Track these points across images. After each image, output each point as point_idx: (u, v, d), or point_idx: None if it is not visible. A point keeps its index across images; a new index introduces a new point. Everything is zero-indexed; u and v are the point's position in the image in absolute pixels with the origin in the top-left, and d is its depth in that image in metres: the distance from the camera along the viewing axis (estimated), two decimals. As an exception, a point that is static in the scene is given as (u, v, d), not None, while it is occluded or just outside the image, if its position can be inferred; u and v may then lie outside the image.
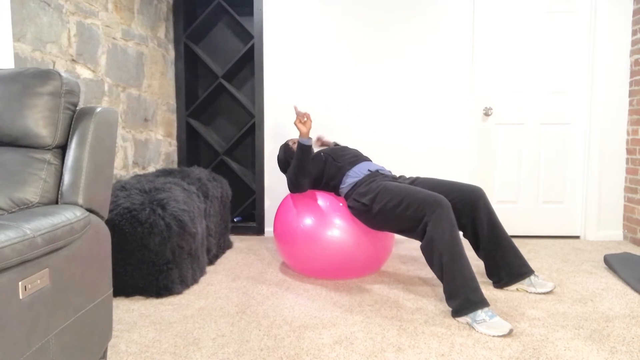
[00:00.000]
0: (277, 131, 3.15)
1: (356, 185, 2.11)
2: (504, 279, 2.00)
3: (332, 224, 2.09)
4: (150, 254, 1.90)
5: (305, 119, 2.13)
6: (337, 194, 2.24)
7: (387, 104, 3.09)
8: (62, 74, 1.21)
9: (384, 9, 3.04)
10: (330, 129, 3.12)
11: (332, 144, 2.64)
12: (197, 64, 3.45)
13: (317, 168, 2.27)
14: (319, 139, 2.62)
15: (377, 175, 2.15)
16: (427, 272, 2.32)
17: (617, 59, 2.97)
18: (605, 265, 2.42)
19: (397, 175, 2.24)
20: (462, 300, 1.65)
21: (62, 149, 1.23)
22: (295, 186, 2.20)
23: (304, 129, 2.12)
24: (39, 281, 0.94)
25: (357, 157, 2.28)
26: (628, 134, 2.99)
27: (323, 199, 2.20)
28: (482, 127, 3.10)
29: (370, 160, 2.37)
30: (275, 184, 3.19)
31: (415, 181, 2.16)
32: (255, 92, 3.22)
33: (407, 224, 1.85)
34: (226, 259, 2.58)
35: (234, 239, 3.10)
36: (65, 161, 1.19)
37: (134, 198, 1.94)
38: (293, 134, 3.14)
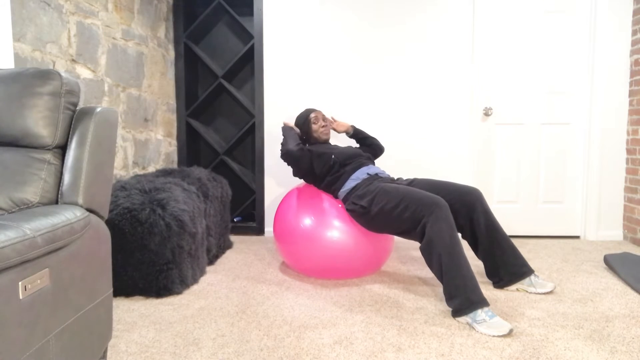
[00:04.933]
0: (277, 131, 3.15)
1: (354, 189, 2.12)
2: (504, 279, 2.00)
3: (332, 223, 2.09)
4: (150, 254, 1.90)
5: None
6: (335, 196, 2.24)
7: (387, 103, 3.09)
8: (62, 74, 1.21)
9: (383, 9, 3.04)
10: (330, 129, 3.12)
11: (345, 128, 2.59)
12: (197, 64, 3.45)
13: (323, 169, 2.25)
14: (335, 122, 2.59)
15: (375, 178, 2.15)
16: (427, 272, 2.32)
17: (617, 59, 2.97)
18: (605, 265, 2.42)
19: (395, 178, 2.24)
20: (462, 300, 1.65)
21: (62, 149, 1.23)
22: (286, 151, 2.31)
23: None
24: (39, 281, 0.94)
25: (361, 164, 2.27)
26: (628, 134, 2.99)
27: (323, 199, 2.20)
28: (482, 127, 3.10)
29: (374, 163, 2.35)
30: (275, 184, 3.19)
31: (412, 182, 2.17)
32: (255, 92, 3.22)
33: (406, 226, 1.86)
34: (226, 259, 2.58)
35: (234, 239, 3.10)
36: (65, 161, 1.19)
37: (134, 198, 1.94)
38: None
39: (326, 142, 2.47)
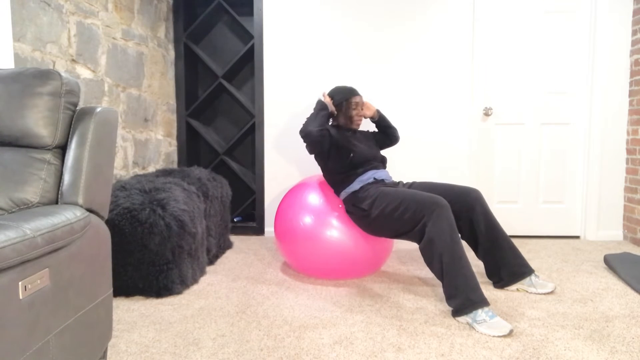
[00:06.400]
0: (277, 131, 3.15)
1: (356, 191, 2.11)
2: (504, 279, 2.00)
3: (332, 223, 2.10)
4: (150, 254, 1.90)
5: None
6: (337, 193, 2.23)
7: (388, 104, 3.09)
8: (62, 74, 1.21)
9: (384, 9, 3.04)
10: (330, 129, 3.12)
11: (372, 113, 2.44)
12: (197, 64, 3.45)
13: (337, 161, 2.17)
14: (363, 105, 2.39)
15: (378, 182, 2.15)
16: (427, 272, 2.32)
17: (617, 59, 2.97)
18: (605, 265, 2.42)
19: (397, 181, 2.24)
20: (462, 299, 1.65)
21: (62, 149, 1.23)
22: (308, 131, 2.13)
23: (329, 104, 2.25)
24: (39, 281, 0.94)
25: (372, 167, 2.21)
26: (628, 134, 2.99)
27: (324, 199, 2.20)
28: (482, 127, 3.10)
29: (385, 166, 2.30)
30: (275, 184, 3.19)
31: (411, 186, 2.16)
32: (255, 92, 3.22)
33: (406, 227, 1.86)
34: (226, 259, 2.58)
35: (234, 239, 3.10)
36: (65, 161, 1.19)
37: (134, 198, 1.94)
38: (293, 134, 3.14)
39: (353, 130, 2.35)
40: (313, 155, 2.28)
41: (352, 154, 2.15)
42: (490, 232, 1.98)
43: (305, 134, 2.12)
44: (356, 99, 2.28)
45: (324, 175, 2.28)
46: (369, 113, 2.44)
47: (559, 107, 3.06)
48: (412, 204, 1.83)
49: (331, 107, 2.25)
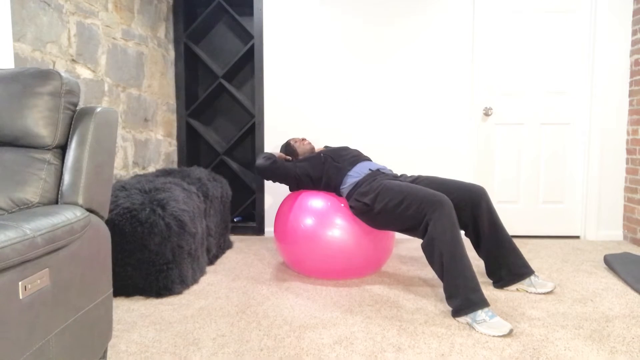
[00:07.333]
0: (277, 131, 3.15)
1: (357, 185, 2.11)
2: (504, 278, 2.00)
3: (332, 224, 2.09)
4: (150, 254, 1.90)
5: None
6: (338, 194, 2.24)
7: (388, 104, 3.09)
8: (62, 74, 1.21)
9: (384, 9, 3.04)
10: (330, 130, 3.12)
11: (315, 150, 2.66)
12: (197, 64, 3.45)
13: (316, 169, 2.29)
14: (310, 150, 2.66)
15: (378, 174, 2.15)
16: (427, 272, 2.32)
17: (617, 59, 2.97)
18: (605, 265, 2.42)
19: (399, 174, 2.24)
20: (462, 300, 1.65)
21: (62, 149, 1.23)
22: (265, 167, 2.32)
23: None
24: (39, 281, 0.94)
25: (356, 157, 2.29)
26: (628, 134, 2.99)
27: (324, 199, 2.20)
28: (482, 127, 3.10)
29: (371, 160, 2.37)
30: (275, 184, 3.19)
31: (417, 179, 2.16)
32: (255, 92, 3.22)
33: (409, 223, 1.85)
34: (226, 259, 2.58)
35: (234, 239, 3.10)
36: (65, 161, 1.20)
37: (134, 198, 1.94)
38: (293, 134, 3.14)
39: (312, 151, 2.58)
40: (300, 190, 2.40)
41: (322, 154, 2.33)
42: (493, 231, 1.97)
43: (257, 169, 2.34)
44: (292, 140, 2.62)
45: (321, 189, 2.32)
46: (317, 150, 2.66)
47: (558, 107, 3.06)
48: (415, 201, 1.82)
49: (280, 155, 2.49)
